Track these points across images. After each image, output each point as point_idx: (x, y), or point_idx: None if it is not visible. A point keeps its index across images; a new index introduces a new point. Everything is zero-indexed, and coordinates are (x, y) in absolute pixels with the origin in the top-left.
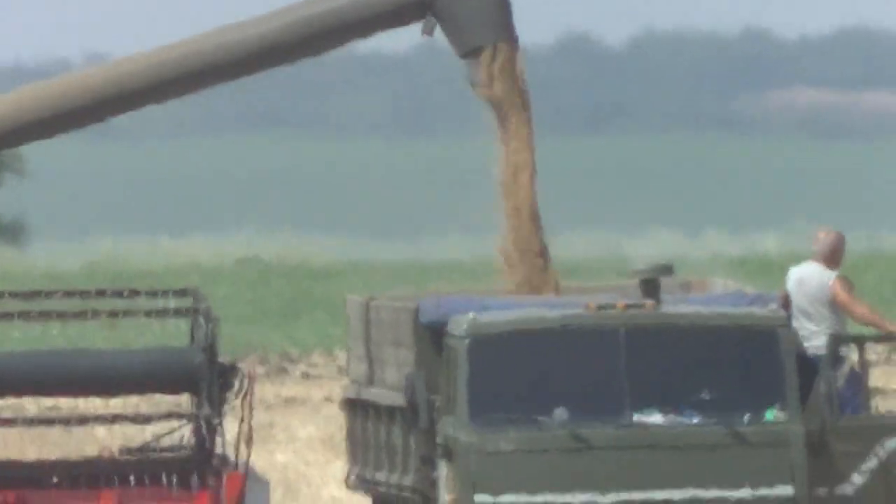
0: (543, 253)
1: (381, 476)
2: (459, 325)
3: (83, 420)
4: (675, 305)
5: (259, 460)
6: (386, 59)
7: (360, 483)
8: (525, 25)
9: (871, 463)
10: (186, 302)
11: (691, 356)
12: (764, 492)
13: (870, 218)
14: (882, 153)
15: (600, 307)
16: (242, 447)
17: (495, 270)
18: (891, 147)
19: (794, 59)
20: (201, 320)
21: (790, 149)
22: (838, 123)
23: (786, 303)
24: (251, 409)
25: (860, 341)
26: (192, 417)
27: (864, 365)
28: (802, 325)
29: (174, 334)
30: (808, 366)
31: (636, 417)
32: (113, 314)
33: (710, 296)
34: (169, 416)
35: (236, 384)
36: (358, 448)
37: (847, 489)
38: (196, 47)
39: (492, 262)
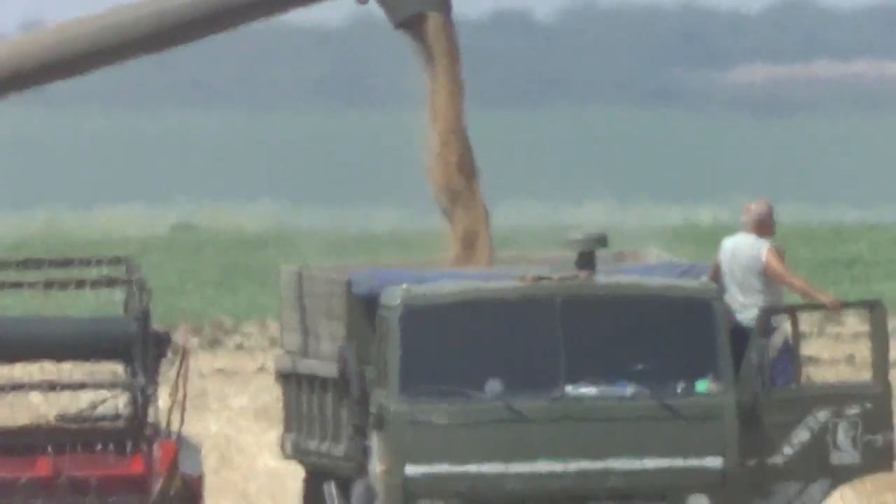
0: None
1: (314, 445)
2: (392, 296)
3: (18, 387)
4: (610, 276)
5: (193, 429)
6: (320, 30)
7: (294, 452)
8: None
9: (803, 434)
10: (120, 271)
11: (625, 327)
12: (695, 463)
13: (806, 191)
14: (822, 127)
15: (535, 279)
16: (175, 416)
17: (430, 242)
18: (831, 121)
19: (732, 32)
20: (135, 290)
21: (728, 123)
22: (777, 97)
23: (716, 273)
24: (185, 378)
25: (792, 311)
26: (126, 386)
27: (797, 335)
28: (734, 297)
29: (109, 303)
30: (740, 337)
31: (569, 389)
32: (48, 284)
33: (643, 266)
34: (103, 384)
35: (169, 353)
36: (293, 418)
37: (778, 460)
38: (129, 15)
39: (427, 233)
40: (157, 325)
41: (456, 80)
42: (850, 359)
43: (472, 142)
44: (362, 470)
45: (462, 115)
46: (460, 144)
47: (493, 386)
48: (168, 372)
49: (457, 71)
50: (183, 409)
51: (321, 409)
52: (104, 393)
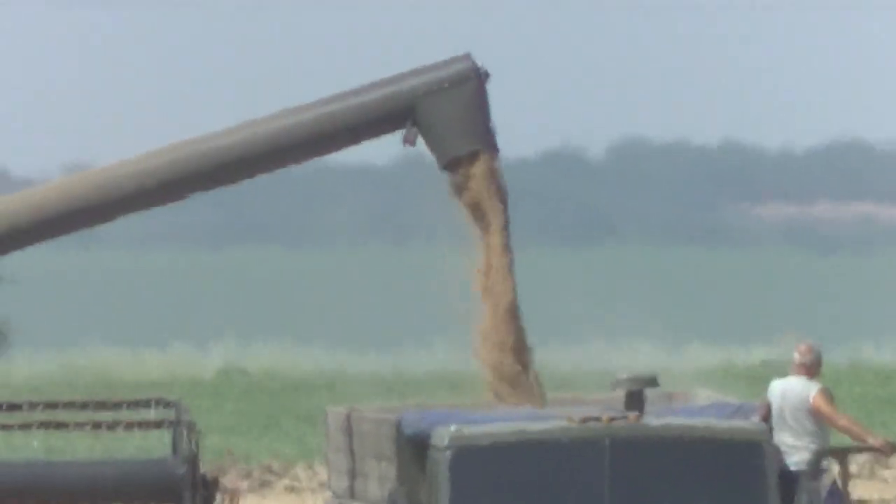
0: (523, 352)
1: None
2: (442, 437)
3: None
4: (659, 417)
5: None
6: (366, 170)
7: None
8: (506, 138)
9: None
10: (169, 413)
11: (675, 469)
12: None
13: (853, 331)
14: (868, 266)
15: (584, 420)
16: None
17: (479, 383)
18: (876, 260)
19: (777, 170)
20: (184, 432)
21: (774, 261)
22: (823, 236)
23: (766, 414)
24: None
25: (842, 454)
26: None
27: (846, 477)
28: (783, 439)
29: (157, 445)
30: (789, 479)
31: None
32: (96, 426)
33: (692, 407)
34: None
35: (218, 496)
36: None
37: None
38: (180, 154)
39: (475, 374)
40: (205, 468)
41: (505, 238)
42: None
43: (519, 279)
44: None
45: (515, 289)
46: (514, 325)
47: None
48: None
49: (505, 222)
50: None
51: None
52: None
